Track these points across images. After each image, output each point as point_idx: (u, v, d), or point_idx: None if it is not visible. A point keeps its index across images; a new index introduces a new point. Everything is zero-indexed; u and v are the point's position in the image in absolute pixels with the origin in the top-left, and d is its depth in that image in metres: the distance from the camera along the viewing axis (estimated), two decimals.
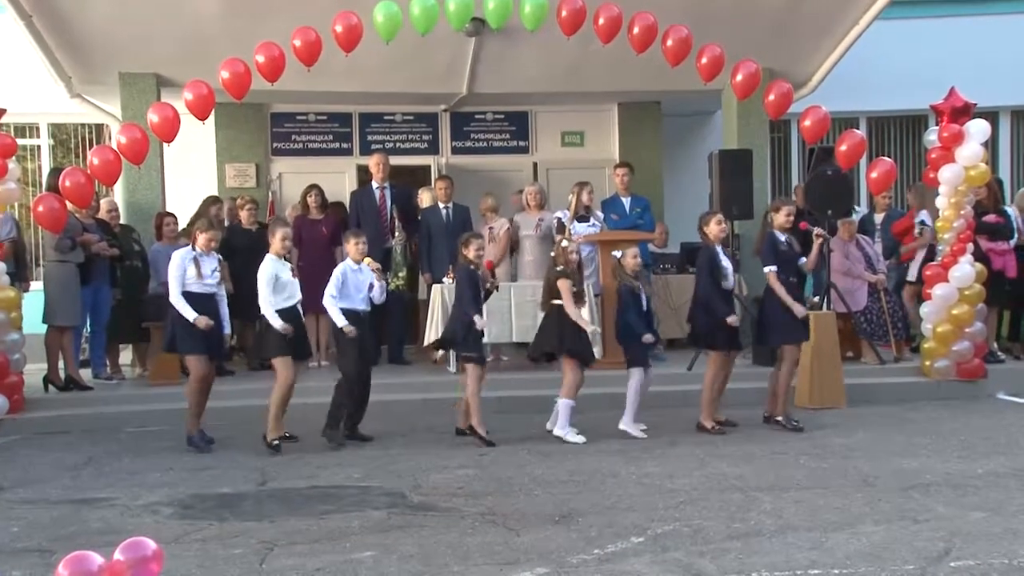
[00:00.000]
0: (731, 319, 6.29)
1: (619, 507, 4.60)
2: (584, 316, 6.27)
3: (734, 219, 8.68)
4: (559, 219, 8.43)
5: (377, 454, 6.02)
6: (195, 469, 5.69)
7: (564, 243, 6.42)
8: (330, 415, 6.30)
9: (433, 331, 7.88)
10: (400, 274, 8.36)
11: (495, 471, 5.46)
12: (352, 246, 6.40)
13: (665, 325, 8.46)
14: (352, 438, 6.38)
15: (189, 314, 6.04)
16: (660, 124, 10.88)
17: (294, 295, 6.24)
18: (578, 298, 6.30)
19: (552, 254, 6.53)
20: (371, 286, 6.35)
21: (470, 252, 6.32)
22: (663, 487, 4.96)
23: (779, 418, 6.50)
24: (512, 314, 7.95)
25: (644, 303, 6.40)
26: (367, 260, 6.38)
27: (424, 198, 9.18)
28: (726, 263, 6.40)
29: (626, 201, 8.83)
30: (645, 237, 8.49)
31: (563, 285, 6.26)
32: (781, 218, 6.51)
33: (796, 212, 6.67)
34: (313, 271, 7.69)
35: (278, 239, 6.22)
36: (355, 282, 6.34)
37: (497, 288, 6.40)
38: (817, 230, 6.62)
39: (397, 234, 8.53)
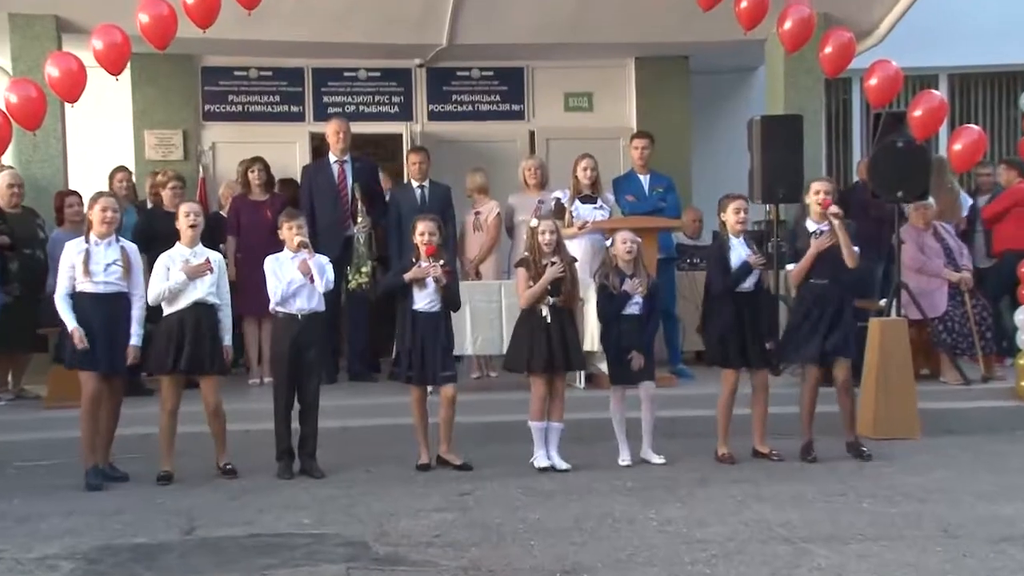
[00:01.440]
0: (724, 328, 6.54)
1: (635, 561, 4.60)
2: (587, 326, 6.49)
3: (779, 202, 8.69)
4: (557, 199, 8.49)
5: (334, 493, 6.01)
6: (104, 513, 5.65)
7: (534, 222, 6.61)
8: (276, 442, 6.51)
9: None
10: (363, 269, 8.35)
11: (480, 515, 5.45)
12: (287, 231, 6.52)
13: (694, 333, 8.47)
14: (307, 472, 6.45)
15: (68, 322, 6.12)
16: (688, 84, 10.90)
17: (195, 292, 6.34)
18: (568, 299, 6.49)
19: (525, 236, 6.76)
20: (311, 277, 6.43)
21: (415, 236, 6.53)
22: (690, 536, 4.97)
23: (851, 441, 6.76)
24: (503, 319, 7.96)
25: (636, 304, 6.56)
26: (296, 240, 6.45)
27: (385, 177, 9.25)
28: (735, 259, 6.57)
29: (644, 179, 8.84)
30: (669, 224, 8.51)
31: (519, 275, 6.54)
32: (730, 217, 6.64)
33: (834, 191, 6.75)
34: (255, 265, 7.65)
35: (182, 218, 6.45)
36: (291, 275, 6.44)
37: (440, 281, 6.43)
38: (833, 208, 6.58)
39: (360, 219, 8.51)
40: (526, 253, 6.60)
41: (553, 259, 6.49)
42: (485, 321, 7.95)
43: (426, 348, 6.46)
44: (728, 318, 6.58)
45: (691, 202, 10.15)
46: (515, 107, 10.93)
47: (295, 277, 6.42)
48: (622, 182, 8.90)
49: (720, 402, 6.70)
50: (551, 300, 6.45)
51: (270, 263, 6.52)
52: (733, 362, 6.61)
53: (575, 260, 6.73)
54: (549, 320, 6.44)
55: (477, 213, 8.90)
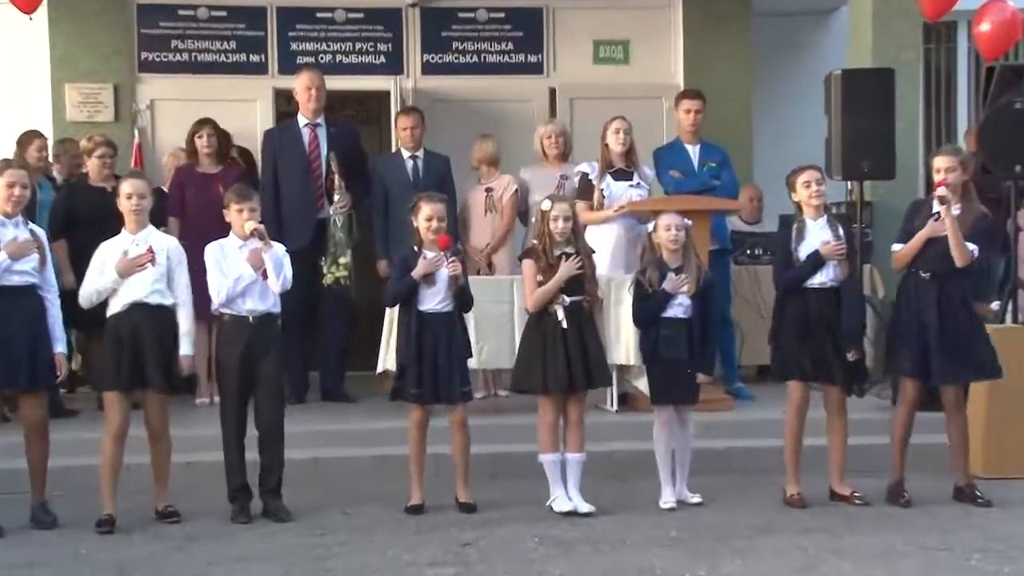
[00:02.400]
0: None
1: None
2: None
3: (864, 178, 8.69)
4: (583, 174, 8.53)
5: (303, 542, 6.02)
6: (12, 566, 5.64)
7: (545, 204, 6.62)
8: (227, 478, 6.53)
9: (393, 350, 7.80)
10: (341, 261, 8.38)
11: (487, 570, 5.45)
12: (235, 214, 6.55)
13: (755, 343, 8.52)
14: (269, 515, 6.47)
15: None
16: (749, 30, 10.91)
17: (141, 289, 6.37)
18: (588, 298, 6.50)
19: (532, 220, 6.79)
20: (264, 273, 6.45)
21: (418, 222, 6.53)
22: None
23: (962, 486, 6.72)
24: (515, 324, 7.95)
25: (680, 306, 6.57)
26: (248, 225, 6.47)
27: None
28: (804, 247, 6.57)
29: (693, 150, 8.85)
30: (724, 206, 8.53)
31: (525, 269, 6.58)
32: (801, 192, 6.66)
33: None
34: (203, 254, 7.67)
35: (124, 201, 6.46)
36: (240, 265, 6.46)
37: (459, 280, 6.45)
38: (940, 191, 6.53)
39: (337, 198, 8.53)
40: (534, 241, 6.64)
41: (567, 249, 6.52)
42: (493, 327, 7.95)
43: (439, 358, 6.47)
44: (796, 320, 6.58)
45: (751, 179, 10.16)
46: (532, 58, 10.93)
47: (244, 272, 6.45)
48: (665, 154, 8.91)
49: (787, 428, 6.70)
50: (566, 300, 6.47)
51: (212, 252, 6.53)
52: (802, 375, 6.61)
53: (594, 252, 6.76)
54: (565, 326, 6.46)
55: (488, 190, 8.94)
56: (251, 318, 6.47)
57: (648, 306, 6.64)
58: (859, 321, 6.80)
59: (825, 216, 6.67)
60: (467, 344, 6.67)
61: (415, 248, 6.55)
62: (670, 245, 6.61)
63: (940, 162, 6.65)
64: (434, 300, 6.49)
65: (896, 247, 6.72)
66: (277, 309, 6.59)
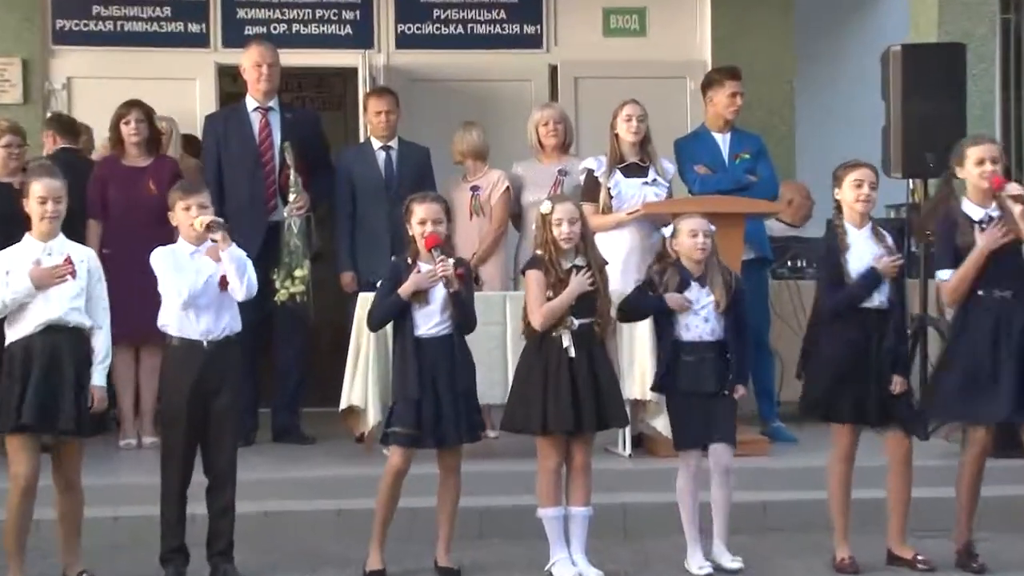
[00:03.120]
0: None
1: None
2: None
3: (929, 175, 8.65)
4: (589, 171, 8.51)
5: None
6: None
7: (545, 206, 6.55)
8: (161, 536, 6.44)
9: (361, 381, 7.94)
10: (297, 273, 8.35)
11: None
12: (182, 213, 6.48)
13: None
14: None
15: None
16: None
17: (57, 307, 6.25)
18: (600, 321, 6.45)
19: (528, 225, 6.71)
20: (223, 280, 6.38)
21: (412, 228, 6.48)
22: None
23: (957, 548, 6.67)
24: (508, 350, 7.98)
25: (704, 328, 6.57)
26: (200, 220, 6.40)
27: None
28: (857, 262, 6.54)
29: (723, 140, 8.89)
30: (761, 208, 8.51)
31: (530, 281, 6.49)
32: (847, 194, 6.60)
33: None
34: (130, 265, 7.66)
35: (34, 204, 6.30)
36: (193, 276, 6.38)
37: (451, 285, 6.38)
38: (1012, 188, 6.44)
39: (293, 197, 8.53)
40: (538, 251, 6.59)
41: (577, 261, 6.47)
42: (482, 353, 7.78)
43: (441, 391, 6.38)
44: (844, 349, 6.52)
45: (793, 174, 10.18)
46: (528, 29, 11.00)
47: (198, 279, 6.36)
48: (689, 145, 8.93)
49: (832, 480, 6.66)
50: (574, 323, 6.40)
51: (163, 257, 6.45)
52: (849, 415, 6.55)
53: (607, 264, 6.69)
54: (572, 354, 6.41)
55: (474, 189, 8.94)
56: (206, 342, 6.40)
57: (643, 302, 6.66)
58: (920, 351, 6.78)
59: (870, 224, 6.63)
60: (473, 372, 6.60)
61: (408, 260, 6.49)
62: (695, 255, 6.56)
63: (984, 151, 6.57)
64: (431, 322, 6.42)
65: (944, 275, 6.61)
66: (238, 327, 6.54)
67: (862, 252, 6.53)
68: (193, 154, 9.61)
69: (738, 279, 6.79)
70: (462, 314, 6.47)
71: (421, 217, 6.42)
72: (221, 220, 6.48)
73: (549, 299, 6.38)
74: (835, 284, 6.54)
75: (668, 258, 6.69)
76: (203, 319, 6.40)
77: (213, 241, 6.40)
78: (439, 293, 6.39)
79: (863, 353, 6.49)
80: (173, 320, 6.41)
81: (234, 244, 6.46)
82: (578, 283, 6.37)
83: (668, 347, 6.61)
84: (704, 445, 6.62)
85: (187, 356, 6.40)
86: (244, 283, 6.40)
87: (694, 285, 6.55)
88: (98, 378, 6.33)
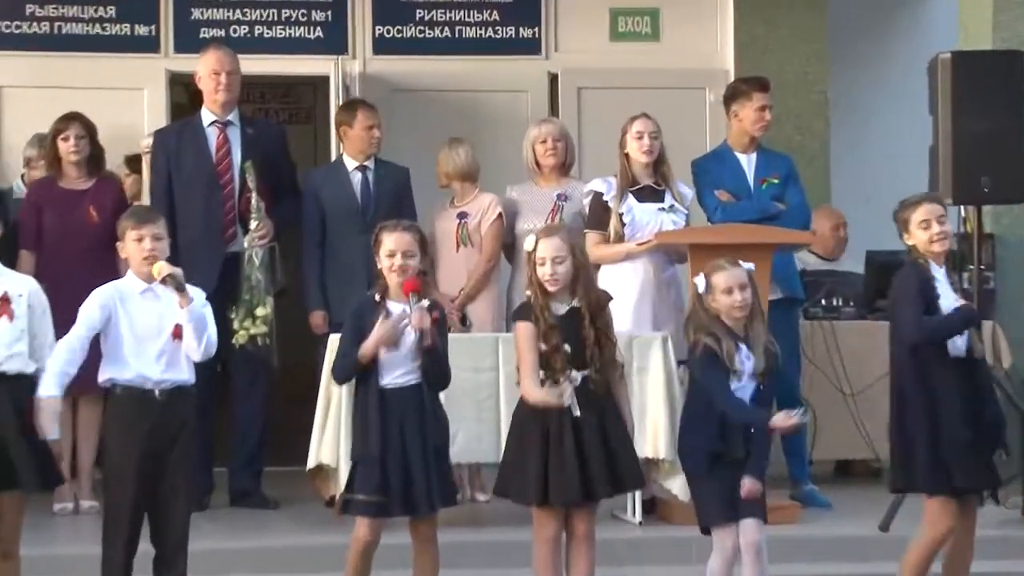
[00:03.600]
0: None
1: None
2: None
3: (985, 201, 8.70)
4: (596, 194, 8.51)
5: None
6: None
7: (528, 242, 6.50)
8: None
9: (332, 437, 7.90)
10: (259, 312, 8.32)
11: None
12: (133, 245, 6.44)
13: (833, 429, 8.49)
14: None
15: None
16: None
17: None
18: (604, 369, 6.38)
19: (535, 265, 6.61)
20: (177, 329, 6.37)
21: (380, 260, 6.46)
22: None
23: None
24: (501, 400, 7.96)
25: (744, 386, 6.46)
26: (158, 268, 6.37)
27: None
28: (950, 301, 6.52)
29: (748, 160, 8.85)
30: (792, 238, 8.47)
31: (518, 335, 6.44)
32: (918, 234, 6.59)
33: None
34: (68, 298, 7.61)
35: None
36: (143, 321, 6.38)
37: (427, 338, 6.30)
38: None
39: (255, 224, 8.52)
40: (527, 293, 6.55)
41: (575, 303, 6.39)
42: (471, 404, 7.87)
43: (409, 450, 6.32)
44: (950, 401, 6.42)
45: (827, 199, 10.19)
46: (525, 32, 11.00)
47: (153, 322, 6.37)
48: (710, 166, 8.91)
49: (914, 554, 6.55)
50: (576, 376, 6.34)
51: (103, 298, 6.42)
52: (938, 484, 6.42)
53: (610, 300, 6.64)
54: (577, 412, 6.34)
55: (462, 216, 8.91)
56: (158, 392, 6.36)
57: (718, 381, 6.39)
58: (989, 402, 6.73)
59: (945, 266, 6.64)
60: (445, 428, 6.55)
61: (376, 298, 6.45)
62: (735, 314, 6.43)
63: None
64: (396, 370, 6.37)
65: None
66: (191, 377, 6.50)
67: (946, 291, 6.53)
68: (131, 176, 9.61)
69: (774, 343, 6.63)
70: (436, 370, 6.41)
71: (390, 249, 6.37)
72: (180, 272, 6.43)
73: (542, 352, 6.31)
74: (918, 313, 6.48)
75: (701, 319, 6.51)
76: (154, 365, 6.37)
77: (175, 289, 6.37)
78: (410, 337, 6.33)
79: (963, 411, 6.45)
80: (119, 366, 6.36)
81: (194, 299, 6.43)
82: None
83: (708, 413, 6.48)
84: (734, 519, 6.55)
85: (135, 408, 6.37)
86: (202, 344, 6.40)
87: (741, 347, 6.43)
88: (52, 431, 6.30)
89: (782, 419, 6.29)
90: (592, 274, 6.72)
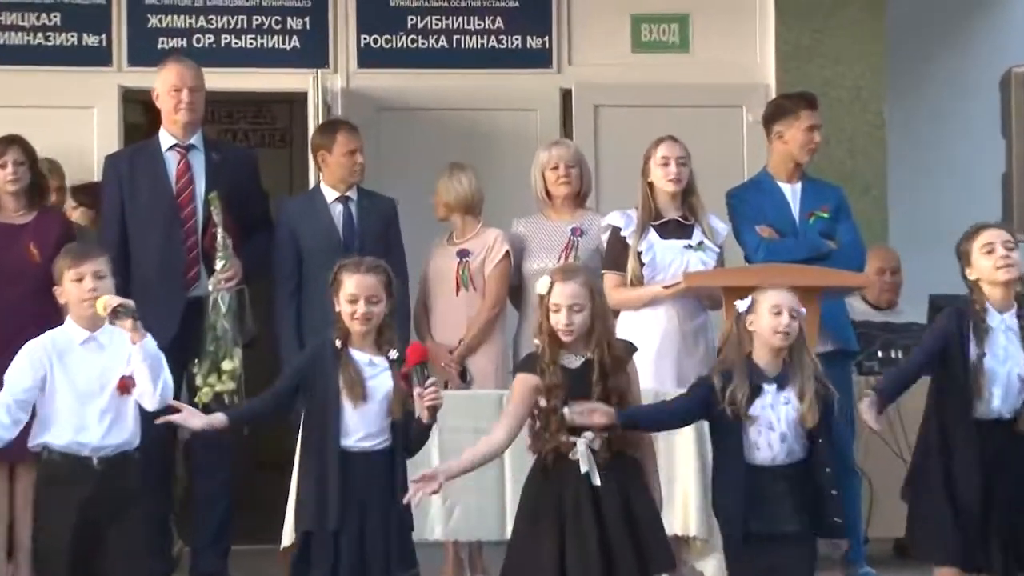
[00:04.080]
0: None
1: None
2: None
3: None
4: (613, 229, 8.51)
5: None
6: None
7: (542, 284, 6.51)
8: None
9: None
10: (225, 366, 8.28)
11: None
12: (71, 286, 6.51)
13: (893, 502, 8.32)
14: None
15: None
16: (884, 3, 11.02)
17: None
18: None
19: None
20: (123, 382, 6.41)
21: (340, 304, 6.50)
22: None
23: None
24: (506, 469, 7.84)
25: (783, 442, 6.47)
26: (103, 302, 6.40)
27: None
28: (994, 353, 6.63)
29: (791, 191, 8.84)
30: (845, 281, 8.45)
31: (518, 386, 6.48)
32: (981, 263, 6.76)
33: None
34: (3, 349, 7.59)
35: None
36: (84, 376, 6.42)
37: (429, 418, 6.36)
38: None
39: (221, 264, 8.44)
40: (535, 341, 6.56)
41: (588, 355, 6.37)
42: (471, 472, 7.77)
43: (367, 523, 6.33)
44: (969, 470, 6.53)
45: (884, 238, 10.21)
46: (534, 43, 11.01)
47: (94, 376, 6.39)
48: (749, 197, 8.89)
49: None
50: (591, 438, 6.31)
51: (33, 354, 6.45)
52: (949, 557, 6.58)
53: (634, 351, 6.63)
54: (596, 480, 6.31)
55: (463, 254, 8.87)
56: (95, 460, 6.39)
57: (725, 434, 6.49)
58: None
59: (1015, 307, 6.71)
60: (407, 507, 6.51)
61: (336, 342, 6.46)
62: (776, 341, 6.42)
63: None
64: (363, 429, 6.37)
65: None
66: (136, 442, 6.54)
67: (997, 340, 6.63)
68: (89, 205, 9.52)
69: (826, 387, 6.60)
70: (421, 440, 6.53)
71: (351, 293, 6.45)
72: (131, 304, 6.47)
73: (540, 410, 6.34)
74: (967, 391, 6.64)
75: (736, 350, 6.54)
76: (95, 427, 6.41)
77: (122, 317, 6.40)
78: (380, 390, 6.38)
79: (984, 475, 6.62)
80: (53, 428, 6.40)
81: (148, 336, 6.47)
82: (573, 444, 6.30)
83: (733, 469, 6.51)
84: None
85: (69, 475, 6.40)
86: (158, 388, 6.42)
87: (767, 391, 6.42)
88: None
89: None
90: (612, 323, 6.71)
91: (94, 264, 6.51)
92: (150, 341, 6.44)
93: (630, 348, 6.57)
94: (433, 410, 6.29)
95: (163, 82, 8.83)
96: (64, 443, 6.38)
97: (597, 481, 6.22)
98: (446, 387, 8.46)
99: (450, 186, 8.97)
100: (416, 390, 6.28)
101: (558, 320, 6.32)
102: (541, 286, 6.45)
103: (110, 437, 6.39)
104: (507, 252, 8.84)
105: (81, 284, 6.45)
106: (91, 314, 6.42)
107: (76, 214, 9.58)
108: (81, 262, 6.51)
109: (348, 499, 6.34)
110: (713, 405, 6.40)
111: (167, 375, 6.51)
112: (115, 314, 6.35)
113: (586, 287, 6.44)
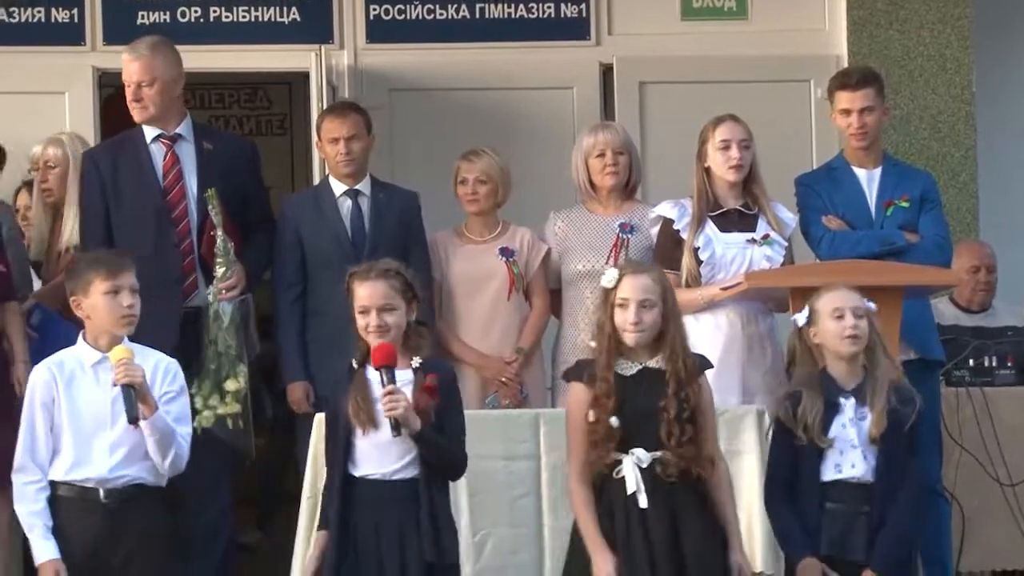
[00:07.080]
0: None
1: None
2: None
3: None
4: (665, 222, 8.59)
5: None
6: None
7: (609, 277, 6.60)
8: None
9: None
10: (229, 386, 8.31)
11: None
12: (106, 299, 6.53)
13: (987, 531, 8.56)
14: None
15: None
16: None
17: None
18: (688, 452, 6.40)
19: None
20: (133, 412, 6.40)
21: (356, 308, 6.51)
22: None
23: None
24: (543, 497, 7.92)
25: (861, 462, 6.54)
26: (118, 353, 6.44)
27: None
28: None
29: (867, 177, 8.87)
30: (928, 279, 8.48)
31: (572, 400, 6.56)
32: None
33: None
34: None
35: None
36: (94, 403, 6.46)
37: (412, 424, 6.37)
38: None
39: (221, 270, 8.48)
40: (591, 344, 6.58)
41: (650, 363, 6.44)
42: (504, 503, 7.85)
43: (386, 563, 6.36)
44: None
45: (974, 231, 10.25)
46: (569, 11, 11.07)
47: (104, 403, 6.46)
48: (820, 184, 8.92)
49: None
50: (641, 457, 6.40)
51: (44, 376, 6.51)
52: None
53: (708, 366, 6.68)
54: (643, 503, 6.37)
55: (507, 252, 8.94)
56: (102, 493, 6.44)
57: (798, 462, 6.57)
58: None
59: None
60: (448, 540, 6.55)
61: (354, 364, 6.53)
62: (843, 347, 6.52)
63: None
64: (378, 455, 6.43)
65: None
66: (150, 479, 6.62)
67: None
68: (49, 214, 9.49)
69: (908, 390, 6.69)
70: (438, 454, 6.48)
71: (363, 304, 6.50)
72: (143, 374, 6.50)
73: (595, 421, 6.37)
74: None
75: (806, 364, 6.62)
76: (104, 459, 6.49)
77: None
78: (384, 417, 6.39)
79: None
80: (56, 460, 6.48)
81: (160, 410, 6.53)
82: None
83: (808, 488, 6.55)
84: None
85: (76, 513, 6.44)
86: (168, 460, 6.52)
87: (846, 405, 6.49)
88: None
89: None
90: (685, 330, 6.68)
91: (131, 276, 6.54)
92: (159, 418, 6.45)
93: (704, 363, 6.61)
94: (395, 421, 6.25)
95: (132, 68, 8.73)
96: (66, 477, 6.46)
97: (644, 503, 6.29)
98: (502, 405, 8.60)
99: (472, 168, 8.93)
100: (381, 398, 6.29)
101: (626, 317, 6.39)
102: (608, 279, 6.53)
103: (124, 469, 6.46)
104: (549, 250, 8.91)
105: (117, 298, 6.46)
106: (123, 334, 6.48)
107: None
108: (118, 273, 6.51)
109: (359, 533, 6.39)
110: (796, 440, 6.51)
111: (180, 445, 6.58)
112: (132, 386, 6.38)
113: (659, 284, 6.54)
